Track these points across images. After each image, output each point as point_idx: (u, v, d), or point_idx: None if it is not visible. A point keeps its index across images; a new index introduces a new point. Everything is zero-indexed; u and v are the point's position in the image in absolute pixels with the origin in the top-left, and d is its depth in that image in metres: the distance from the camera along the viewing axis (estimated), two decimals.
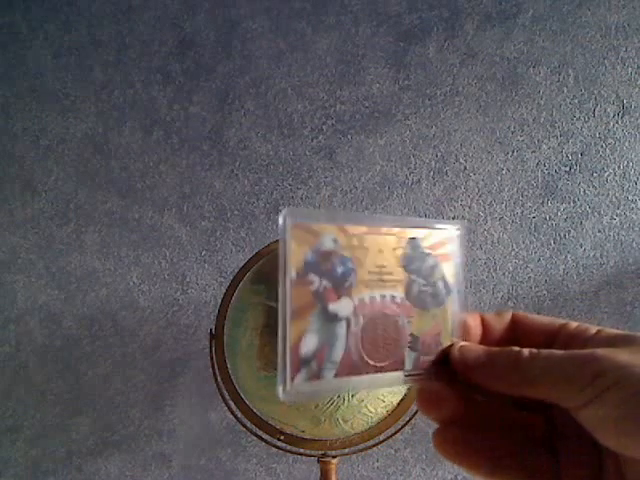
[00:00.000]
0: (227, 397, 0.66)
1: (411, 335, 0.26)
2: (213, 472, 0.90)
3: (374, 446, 0.65)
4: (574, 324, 0.26)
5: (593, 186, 0.91)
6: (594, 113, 0.92)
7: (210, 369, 0.67)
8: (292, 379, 0.23)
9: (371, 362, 0.25)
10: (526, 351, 0.24)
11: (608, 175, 0.91)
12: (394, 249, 0.26)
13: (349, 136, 0.94)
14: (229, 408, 0.67)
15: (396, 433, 0.66)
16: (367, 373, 0.25)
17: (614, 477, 0.23)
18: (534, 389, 0.23)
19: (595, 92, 0.92)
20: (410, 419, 0.66)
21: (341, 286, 0.24)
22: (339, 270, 0.24)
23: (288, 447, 0.65)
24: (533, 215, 0.91)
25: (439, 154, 0.93)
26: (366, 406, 0.60)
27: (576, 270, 0.90)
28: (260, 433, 0.65)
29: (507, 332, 0.28)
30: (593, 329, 0.25)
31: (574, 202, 0.91)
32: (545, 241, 0.91)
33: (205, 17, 0.97)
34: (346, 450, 0.65)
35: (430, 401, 0.26)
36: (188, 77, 0.96)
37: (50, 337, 0.92)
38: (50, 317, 0.92)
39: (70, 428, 0.91)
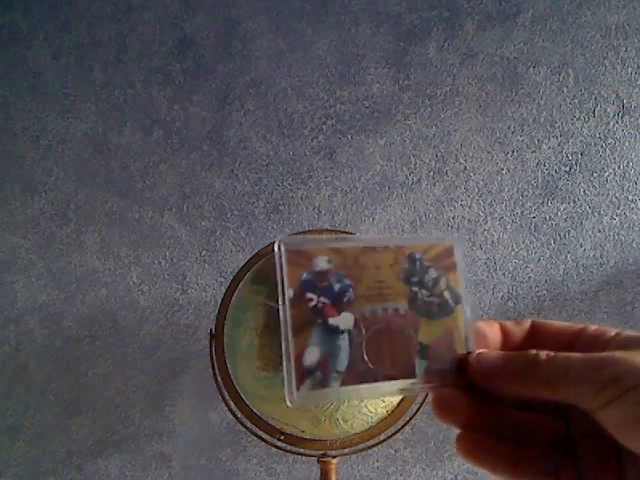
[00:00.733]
0: (227, 397, 0.66)
1: (420, 344, 0.27)
2: (213, 472, 0.90)
3: (374, 446, 0.65)
4: (592, 327, 0.26)
5: (593, 186, 0.91)
6: (594, 113, 0.92)
7: (210, 369, 0.67)
8: (297, 388, 0.25)
9: (380, 370, 0.26)
10: (543, 353, 0.24)
11: (608, 175, 0.91)
12: (391, 265, 0.28)
13: (349, 136, 0.94)
14: (229, 408, 0.67)
15: (396, 433, 0.66)
16: (376, 381, 0.26)
17: (636, 478, 0.24)
18: (553, 391, 0.23)
19: (595, 92, 0.92)
20: (410, 419, 0.66)
21: (340, 301, 0.26)
22: (336, 287, 0.26)
23: (288, 447, 0.65)
24: (533, 215, 0.91)
25: (439, 154, 0.93)
26: (366, 406, 0.60)
27: (576, 270, 0.90)
28: (260, 433, 0.65)
29: (527, 339, 0.28)
30: (612, 332, 0.25)
31: (574, 202, 0.91)
32: (545, 241, 0.91)
33: (205, 17, 0.97)
34: (346, 450, 0.65)
35: (446, 408, 0.26)
36: (188, 77, 0.96)
37: (50, 337, 0.92)
38: (50, 317, 0.92)
39: (70, 428, 0.91)
